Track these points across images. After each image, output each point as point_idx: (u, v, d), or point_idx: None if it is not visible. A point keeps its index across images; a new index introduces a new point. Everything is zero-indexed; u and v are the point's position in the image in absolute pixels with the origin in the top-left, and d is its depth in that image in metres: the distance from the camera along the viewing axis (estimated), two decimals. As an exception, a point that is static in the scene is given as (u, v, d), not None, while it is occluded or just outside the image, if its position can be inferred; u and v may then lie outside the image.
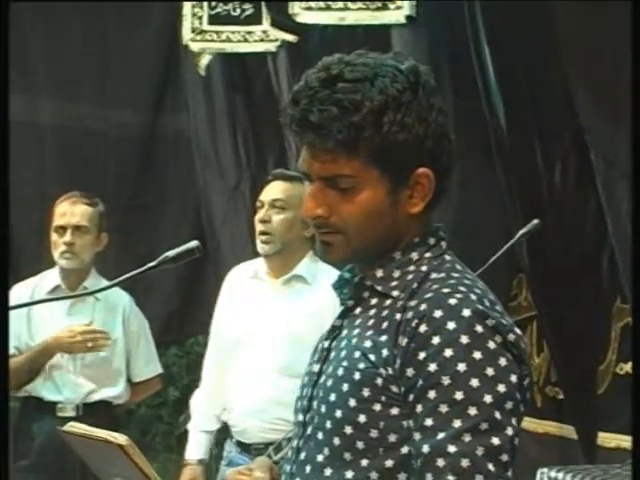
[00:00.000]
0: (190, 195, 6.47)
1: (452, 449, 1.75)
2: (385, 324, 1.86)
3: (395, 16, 4.78)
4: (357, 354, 1.86)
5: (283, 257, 3.96)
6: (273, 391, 3.80)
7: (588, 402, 4.46)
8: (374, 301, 1.92)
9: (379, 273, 1.92)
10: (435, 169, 1.89)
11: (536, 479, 3.85)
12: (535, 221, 3.55)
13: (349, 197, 1.87)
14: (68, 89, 6.62)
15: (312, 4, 5.18)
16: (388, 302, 1.89)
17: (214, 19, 5.88)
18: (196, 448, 4.13)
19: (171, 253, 2.22)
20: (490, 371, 1.77)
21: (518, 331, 1.86)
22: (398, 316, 1.84)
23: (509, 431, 1.78)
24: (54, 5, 6.36)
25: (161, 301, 6.14)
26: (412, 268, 1.91)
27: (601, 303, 4.50)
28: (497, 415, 1.77)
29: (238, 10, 5.70)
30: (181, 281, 6.15)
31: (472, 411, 1.76)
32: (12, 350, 4.33)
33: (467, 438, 1.75)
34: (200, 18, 5.97)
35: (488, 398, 1.76)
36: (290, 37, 5.36)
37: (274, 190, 3.96)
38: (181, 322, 6.03)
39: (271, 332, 3.94)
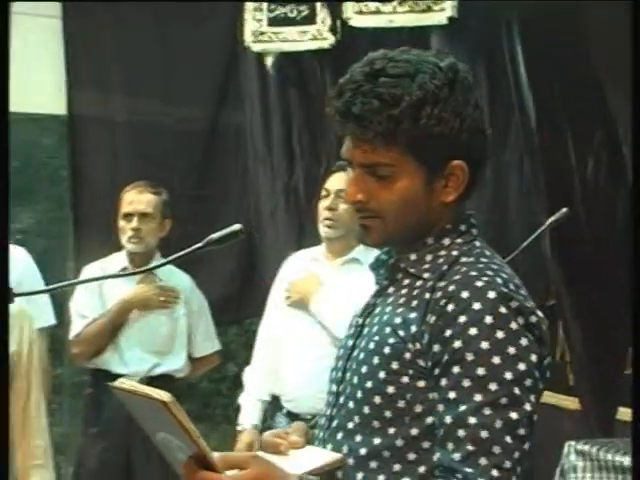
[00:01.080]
0: (247, 186, 6.53)
1: (472, 421, 1.77)
2: (415, 303, 1.89)
3: (438, 18, 4.80)
4: (388, 330, 1.90)
5: (343, 242, 4.01)
6: (325, 361, 3.84)
7: (613, 381, 4.44)
8: (406, 282, 1.95)
9: (412, 256, 1.95)
10: (469, 161, 1.92)
11: (564, 451, 3.86)
12: (564, 210, 3.57)
13: (387, 185, 1.91)
14: (138, 87, 6.68)
15: (363, 8, 5.22)
16: (419, 283, 1.92)
17: (273, 21, 5.92)
18: (249, 415, 4.19)
19: (215, 235, 2.25)
20: (511, 350, 1.80)
21: (540, 314, 1.88)
22: (427, 296, 1.87)
23: (527, 407, 1.80)
24: (127, 6, 6.45)
25: (222, 285, 6.18)
26: (443, 252, 1.94)
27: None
28: (516, 391, 1.79)
29: (295, 11, 5.74)
30: (240, 267, 6.19)
31: (493, 386, 1.78)
32: (88, 320, 4.42)
33: (487, 411, 1.77)
34: (260, 21, 6.02)
35: (508, 375, 1.78)
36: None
37: (340, 181, 3.99)
38: (239, 304, 6.07)
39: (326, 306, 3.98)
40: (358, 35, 5.19)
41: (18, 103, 6.64)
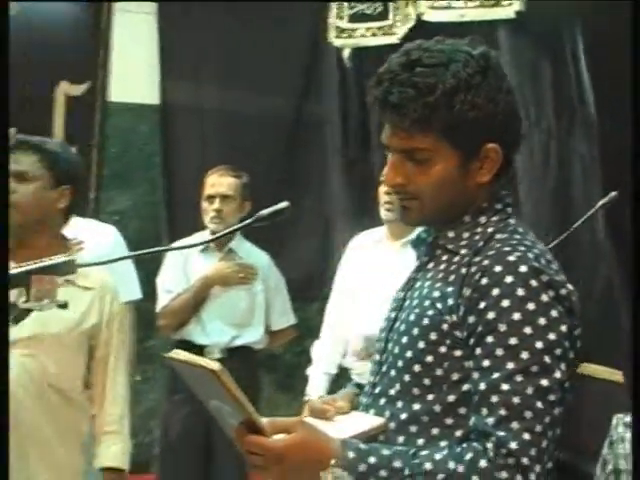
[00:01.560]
0: (327, 173, 6.57)
1: (505, 387, 1.78)
2: (452, 277, 1.89)
3: (506, 12, 4.78)
4: (427, 303, 1.90)
5: (402, 224, 3.99)
6: None
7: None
8: (445, 258, 1.95)
9: (450, 234, 1.96)
10: (503, 144, 1.91)
11: (612, 423, 3.82)
12: (613, 193, 3.54)
13: (424, 168, 1.91)
14: (226, 78, 6.73)
15: (436, 3, 5.22)
16: (456, 259, 1.92)
17: (352, 18, 5.96)
18: (316, 386, 4.22)
19: (264, 212, 2.28)
20: (542, 321, 1.80)
21: (570, 286, 1.87)
22: (464, 270, 1.87)
23: (557, 374, 1.80)
24: (217, 3, 6.50)
25: (305, 264, 6.23)
26: (479, 230, 1.94)
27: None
28: (547, 359, 1.79)
29: (371, 8, 5.75)
30: (320, 248, 6.22)
31: (524, 355, 1.78)
32: (173, 295, 4.47)
33: (519, 378, 1.78)
34: (342, 18, 6.05)
35: (539, 344, 1.79)
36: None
37: None
38: (320, 282, 6.10)
39: (390, 282, 3.99)
40: (429, 29, 5.17)
41: (117, 94, 6.81)
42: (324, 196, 6.64)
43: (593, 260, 4.68)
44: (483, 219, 1.95)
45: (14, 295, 2.04)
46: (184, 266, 4.57)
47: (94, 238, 4.03)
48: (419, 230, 2.10)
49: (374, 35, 5.72)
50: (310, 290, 6.12)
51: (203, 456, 4.43)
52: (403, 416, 1.90)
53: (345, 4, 5.92)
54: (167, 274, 4.58)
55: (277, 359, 6.67)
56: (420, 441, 1.87)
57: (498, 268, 1.83)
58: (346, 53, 5.95)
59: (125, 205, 6.80)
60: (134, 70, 6.73)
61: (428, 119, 1.86)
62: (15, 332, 2.84)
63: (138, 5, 6.70)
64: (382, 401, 1.95)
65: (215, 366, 1.75)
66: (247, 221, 2.24)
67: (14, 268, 2.08)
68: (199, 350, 4.46)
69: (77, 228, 4.07)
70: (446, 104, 1.86)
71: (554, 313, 1.81)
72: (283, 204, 2.30)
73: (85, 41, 6.73)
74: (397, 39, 5.48)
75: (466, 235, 1.94)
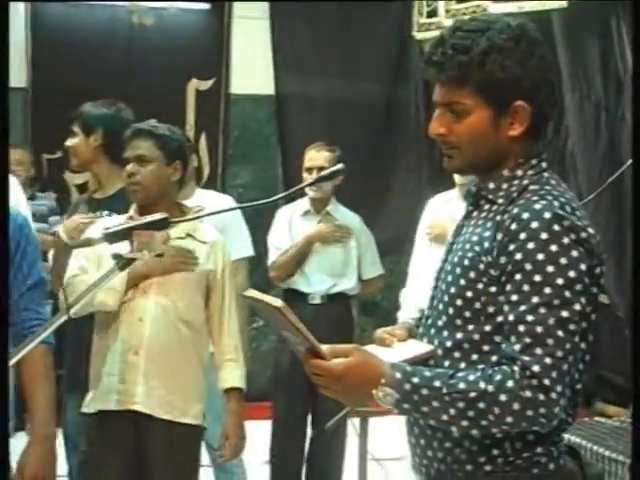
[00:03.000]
0: (415, 148, 6.54)
1: (530, 318, 1.75)
2: (489, 224, 1.86)
3: (559, 2, 4.67)
4: (468, 246, 1.88)
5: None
6: None
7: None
8: (486, 207, 1.92)
9: (491, 185, 1.91)
10: (532, 103, 1.85)
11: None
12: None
13: (461, 120, 1.87)
14: (329, 69, 6.73)
15: (498, -4, 5.12)
16: (494, 207, 1.88)
17: (430, 13, 5.88)
18: None
19: (324, 173, 2.27)
20: (563, 260, 1.75)
21: (591, 230, 1.82)
22: (499, 218, 1.84)
23: (577, 307, 1.75)
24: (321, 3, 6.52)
25: (396, 225, 6.22)
26: (516, 182, 1.88)
27: None
28: (567, 294, 1.75)
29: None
30: (408, 210, 6.19)
31: (547, 290, 1.75)
32: (281, 251, 4.48)
33: (542, 310, 1.74)
34: (421, 14, 5.99)
35: (560, 281, 1.75)
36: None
37: None
38: (409, 239, 6.08)
39: None
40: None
41: (237, 87, 6.87)
42: (411, 166, 6.61)
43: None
44: (519, 172, 1.89)
45: (120, 248, 2.08)
46: (289, 227, 4.58)
47: (213, 206, 4.06)
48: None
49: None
50: (402, 246, 6.09)
51: (308, 386, 4.45)
52: (448, 344, 1.88)
53: (424, 2, 5.84)
54: (275, 234, 4.60)
55: (376, 305, 6.70)
56: (462, 365, 1.85)
57: (526, 215, 1.79)
58: (426, 45, 5.87)
59: (246, 179, 6.88)
60: (251, 66, 6.79)
61: (463, 76, 1.83)
62: (145, 278, 2.94)
63: (253, 11, 6.74)
64: (432, 331, 1.94)
65: (278, 303, 1.76)
66: (309, 181, 2.22)
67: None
68: (303, 297, 4.49)
69: (200, 198, 4.14)
70: (479, 64, 1.82)
71: (574, 254, 1.76)
72: (339, 166, 2.31)
73: (210, 44, 6.83)
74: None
75: (504, 186, 1.89)
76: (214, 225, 4.11)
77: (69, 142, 3.61)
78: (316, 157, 4.48)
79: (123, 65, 6.56)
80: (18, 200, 4.71)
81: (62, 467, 2.44)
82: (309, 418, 4.50)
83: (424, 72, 1.92)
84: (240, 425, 3.12)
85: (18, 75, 6.49)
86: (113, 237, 2.01)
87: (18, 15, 6.50)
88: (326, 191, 4.51)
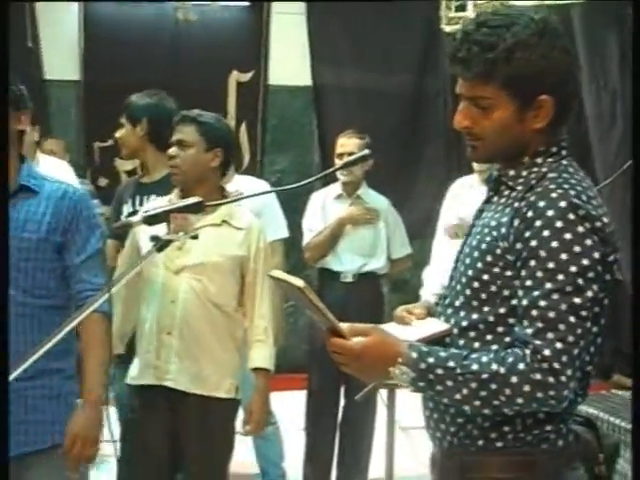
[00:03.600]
0: (442, 136, 6.48)
1: (543, 303, 1.69)
2: (507, 210, 1.80)
3: (579, -4, 4.59)
4: (486, 230, 1.82)
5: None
6: None
7: None
8: (505, 193, 1.85)
9: (511, 172, 1.84)
10: (556, 96, 1.78)
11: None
12: None
13: (487, 114, 1.80)
14: (361, 61, 6.68)
15: (522, -9, 5.02)
16: (513, 194, 1.82)
17: (458, 8, 5.80)
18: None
19: (351, 158, 2.23)
20: (577, 248, 1.69)
21: (605, 219, 1.75)
22: (516, 204, 1.78)
23: (589, 294, 1.70)
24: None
25: (423, 208, 6.15)
26: (535, 169, 1.81)
27: None
28: (580, 281, 1.69)
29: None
30: (435, 195, 6.13)
31: (560, 277, 1.69)
32: (314, 233, 4.44)
33: (555, 296, 1.69)
34: (450, 8, 5.90)
35: (573, 268, 1.69)
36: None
37: None
38: (435, 222, 6.04)
39: None
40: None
41: (275, 78, 6.84)
42: (439, 154, 6.56)
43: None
44: (539, 160, 1.82)
45: (158, 230, 2.06)
46: (323, 210, 4.54)
47: (250, 190, 4.03)
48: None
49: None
50: (428, 228, 6.04)
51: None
52: (464, 323, 1.83)
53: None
54: (310, 217, 4.56)
55: (407, 283, 6.64)
56: (476, 344, 1.80)
57: (542, 203, 1.73)
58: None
59: (284, 165, 6.86)
60: (288, 59, 6.77)
61: (489, 72, 1.76)
62: (185, 260, 2.92)
63: (290, 7, 6.71)
64: (449, 311, 1.89)
65: (300, 283, 1.72)
66: (336, 167, 2.19)
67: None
68: (336, 275, 4.46)
69: (238, 183, 4.12)
70: (505, 60, 1.75)
71: (588, 242, 1.70)
72: (365, 151, 2.30)
73: (250, 38, 6.83)
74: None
75: (524, 174, 1.82)
76: (251, 209, 4.11)
77: (118, 133, 3.62)
78: (347, 144, 4.43)
79: (169, 59, 6.59)
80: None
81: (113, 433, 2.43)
82: (342, 389, 4.47)
83: (450, 68, 1.85)
84: (265, 402, 3.09)
85: (72, 69, 6.54)
86: (151, 220, 2.01)
87: (72, 13, 6.53)
88: (357, 176, 4.46)
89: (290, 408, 4.91)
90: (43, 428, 2.36)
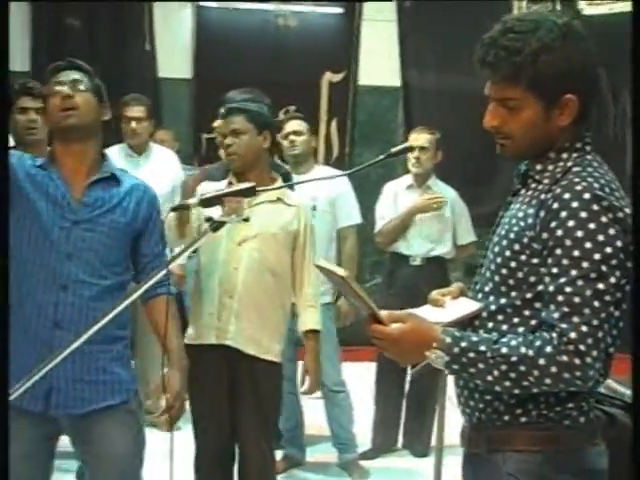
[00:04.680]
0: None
1: (568, 289, 1.60)
2: (534, 202, 1.70)
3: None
4: (514, 221, 1.73)
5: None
6: None
7: None
8: (533, 186, 1.75)
9: (538, 167, 1.74)
10: (580, 95, 1.67)
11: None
12: None
13: (514, 114, 1.69)
14: (445, 63, 6.54)
15: (593, 2, 4.78)
16: (540, 187, 1.72)
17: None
18: None
19: (393, 150, 2.11)
20: (600, 237, 1.59)
21: (627, 210, 1.64)
22: (543, 196, 1.68)
23: (612, 280, 1.60)
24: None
25: (493, 200, 5.95)
26: (561, 164, 1.71)
27: None
28: (603, 268, 1.59)
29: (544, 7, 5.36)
30: (505, 189, 5.93)
31: (585, 264, 1.59)
32: (386, 220, 4.32)
33: (580, 282, 1.59)
34: (521, 8, 5.67)
35: (597, 256, 1.59)
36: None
37: None
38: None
39: None
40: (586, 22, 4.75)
41: (364, 79, 6.75)
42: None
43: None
44: (565, 155, 1.72)
45: (212, 212, 2.03)
46: (395, 199, 4.42)
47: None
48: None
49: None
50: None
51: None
52: (493, 307, 1.74)
53: (524, 2, 5.53)
54: (382, 205, 4.45)
55: (473, 268, 6.43)
56: (504, 327, 1.71)
57: (567, 195, 1.63)
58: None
59: (369, 158, 6.59)
60: (376, 61, 6.68)
61: (516, 75, 1.66)
62: (246, 232, 2.91)
63: (380, 14, 6.63)
64: (479, 295, 1.80)
65: (342, 272, 1.67)
66: (379, 157, 2.08)
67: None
68: (405, 259, 4.35)
69: (317, 173, 4.06)
70: (531, 63, 1.64)
71: (611, 231, 1.60)
72: (407, 144, 2.17)
73: (342, 42, 6.79)
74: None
75: (550, 168, 1.72)
76: (328, 196, 4.02)
77: (216, 124, 3.61)
78: (417, 138, 4.30)
79: (270, 60, 6.57)
80: (176, 170, 4.76)
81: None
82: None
83: (478, 71, 1.74)
84: (317, 361, 3.07)
85: (184, 68, 6.59)
86: (207, 202, 1.97)
87: (185, 20, 6.59)
88: (426, 168, 4.34)
89: (362, 378, 4.83)
90: (112, 387, 2.34)
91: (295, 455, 4.23)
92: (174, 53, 6.57)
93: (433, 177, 4.41)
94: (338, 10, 6.73)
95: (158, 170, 4.50)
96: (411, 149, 2.14)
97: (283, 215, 3.01)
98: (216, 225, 1.93)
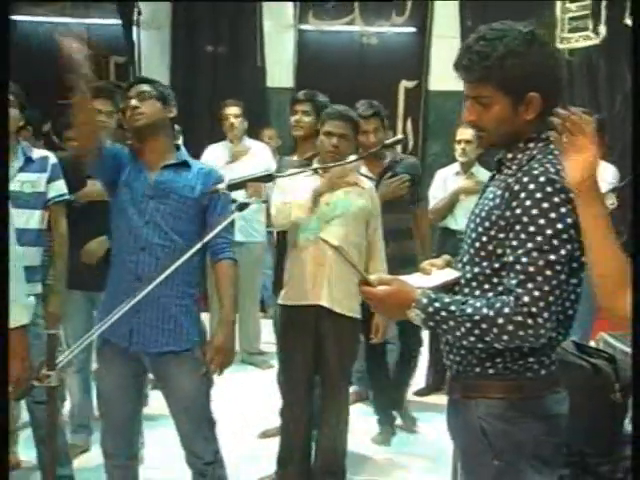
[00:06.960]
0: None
1: (524, 260, 1.49)
2: (502, 185, 1.58)
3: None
4: (486, 201, 1.62)
5: None
6: None
7: None
8: (505, 172, 1.62)
9: (509, 155, 1.62)
10: (543, 93, 1.54)
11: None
12: None
13: (487, 109, 1.58)
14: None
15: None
16: (509, 172, 1.59)
17: (570, 30, 5.17)
18: None
19: (388, 141, 1.97)
20: (553, 215, 1.47)
21: None
22: (509, 180, 1.56)
23: (562, 252, 1.48)
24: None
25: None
26: (527, 152, 1.59)
27: None
28: (555, 242, 1.47)
29: (582, 21, 4.97)
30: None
31: (539, 238, 1.47)
32: (437, 200, 4.13)
33: (534, 254, 1.48)
34: (563, 30, 5.27)
35: (549, 231, 1.47)
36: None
37: None
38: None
39: None
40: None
41: (434, 85, 6.52)
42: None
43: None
44: (531, 145, 1.60)
45: (237, 194, 1.96)
46: (444, 183, 4.26)
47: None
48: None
49: (584, 40, 4.90)
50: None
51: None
52: (468, 275, 1.64)
53: (567, 17, 5.13)
54: (434, 188, 4.30)
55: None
56: (477, 292, 1.61)
57: (526, 179, 1.52)
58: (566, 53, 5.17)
59: (437, 150, 6.59)
60: (444, 71, 6.36)
61: (486, 76, 1.55)
62: (334, 212, 2.83)
63: (447, 31, 6.36)
64: (459, 265, 1.70)
65: (336, 243, 1.56)
66: (376, 148, 1.95)
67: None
68: (453, 232, 4.17)
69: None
70: (499, 66, 1.53)
71: (562, 210, 1.48)
72: (399, 136, 2.02)
73: (415, 56, 6.65)
74: (599, 41, 4.64)
75: (518, 156, 1.60)
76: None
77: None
78: (463, 132, 4.13)
79: (356, 71, 6.50)
80: (268, 159, 4.71)
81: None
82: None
83: (457, 73, 1.62)
84: (385, 318, 2.97)
85: (287, 79, 6.56)
86: (233, 187, 1.93)
87: (289, 38, 6.58)
88: (470, 157, 4.16)
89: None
90: (180, 335, 2.33)
91: (362, 392, 4.15)
92: (280, 67, 6.57)
93: (476, 165, 4.21)
94: (411, 29, 6.66)
95: (252, 159, 4.54)
96: (400, 141, 2.00)
97: (360, 197, 2.92)
98: (240, 206, 1.86)
